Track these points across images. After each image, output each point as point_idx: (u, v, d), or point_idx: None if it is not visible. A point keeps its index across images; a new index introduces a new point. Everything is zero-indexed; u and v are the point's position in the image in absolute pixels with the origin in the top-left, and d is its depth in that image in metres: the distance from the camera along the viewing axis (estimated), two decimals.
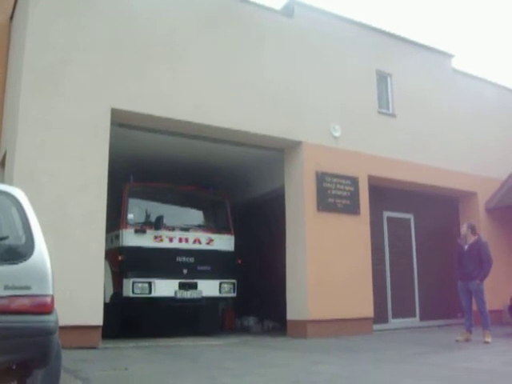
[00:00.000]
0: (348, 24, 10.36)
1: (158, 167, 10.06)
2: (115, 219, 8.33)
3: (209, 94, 8.36)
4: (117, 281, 8.47)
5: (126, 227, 8.44)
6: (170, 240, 8.67)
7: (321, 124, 9.56)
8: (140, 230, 8.46)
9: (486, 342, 7.67)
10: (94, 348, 6.85)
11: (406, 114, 10.79)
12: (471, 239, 8.23)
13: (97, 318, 6.96)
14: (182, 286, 8.53)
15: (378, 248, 10.35)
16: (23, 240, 3.28)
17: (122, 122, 7.89)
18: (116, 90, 7.67)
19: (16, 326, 3.02)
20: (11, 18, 9.08)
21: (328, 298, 8.87)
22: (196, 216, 9.84)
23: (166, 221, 8.61)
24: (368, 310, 9.39)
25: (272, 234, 10.59)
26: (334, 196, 9.40)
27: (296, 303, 8.98)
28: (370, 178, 9.96)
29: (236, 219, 9.94)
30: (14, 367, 3.24)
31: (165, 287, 8.36)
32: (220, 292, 8.95)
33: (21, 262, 3.14)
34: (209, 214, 9.94)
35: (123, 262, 8.37)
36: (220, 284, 8.96)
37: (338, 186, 9.48)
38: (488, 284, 8.37)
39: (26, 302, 3.08)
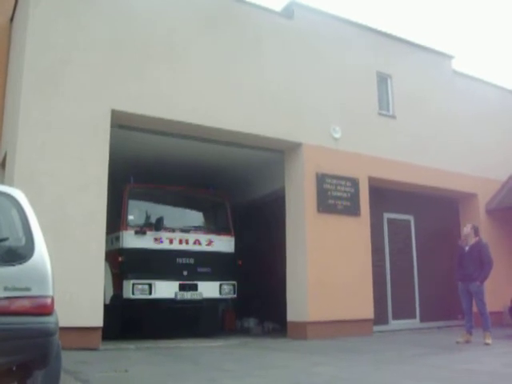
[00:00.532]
0: (348, 25, 10.37)
1: (158, 169, 10.06)
2: (115, 221, 8.31)
3: (209, 95, 8.37)
4: (117, 282, 8.47)
5: (126, 229, 8.45)
6: (170, 241, 8.67)
7: (321, 125, 9.56)
8: (140, 231, 8.47)
9: (487, 344, 7.65)
10: (95, 349, 6.83)
11: (406, 116, 10.80)
12: (472, 240, 8.23)
13: (97, 319, 6.95)
14: (182, 288, 8.53)
15: (379, 249, 10.34)
16: (23, 241, 3.28)
17: (121, 123, 7.89)
18: (116, 90, 7.67)
19: (16, 328, 3.02)
20: (11, 19, 9.11)
21: (328, 300, 8.86)
22: (196, 217, 9.85)
23: (166, 222, 8.62)
24: (368, 312, 9.38)
25: (272, 236, 10.58)
26: (335, 197, 9.39)
27: (296, 304, 8.97)
28: (371, 180, 9.96)
29: (236, 221, 9.93)
30: (14, 368, 3.24)
31: (165, 289, 8.36)
32: (220, 293, 8.96)
33: (21, 263, 3.14)
34: (209, 215, 9.95)
35: (123, 264, 8.37)
36: (220, 285, 8.96)
37: (339, 187, 9.48)
38: (488, 285, 8.37)
39: (26, 303, 3.08)
